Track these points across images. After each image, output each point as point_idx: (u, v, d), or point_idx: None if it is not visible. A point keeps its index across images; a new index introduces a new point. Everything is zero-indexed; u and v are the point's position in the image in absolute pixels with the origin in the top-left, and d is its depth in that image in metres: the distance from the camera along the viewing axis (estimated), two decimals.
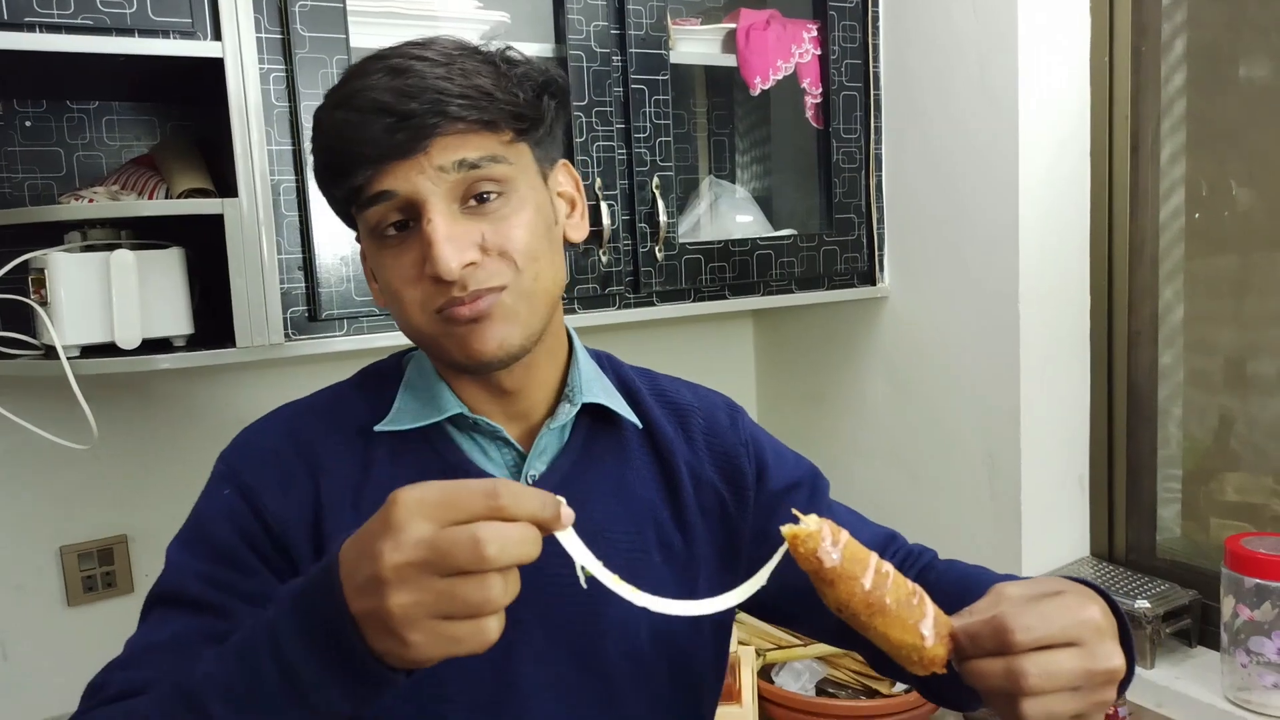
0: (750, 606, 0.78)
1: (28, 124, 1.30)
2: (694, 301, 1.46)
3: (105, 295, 1.12)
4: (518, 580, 0.54)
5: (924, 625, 0.61)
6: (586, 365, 0.84)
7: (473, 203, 0.71)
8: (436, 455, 0.79)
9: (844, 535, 0.61)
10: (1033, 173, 1.42)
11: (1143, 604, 1.33)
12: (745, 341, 1.99)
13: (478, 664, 0.68)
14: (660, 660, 0.83)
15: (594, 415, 0.83)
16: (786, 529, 0.60)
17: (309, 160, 1.14)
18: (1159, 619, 1.33)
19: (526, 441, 0.81)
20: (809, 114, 1.58)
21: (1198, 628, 1.37)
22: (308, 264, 1.18)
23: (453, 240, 0.69)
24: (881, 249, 1.64)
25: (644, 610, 0.61)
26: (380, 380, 0.84)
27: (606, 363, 0.90)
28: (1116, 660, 0.60)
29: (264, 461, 0.77)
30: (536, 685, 0.78)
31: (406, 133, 0.68)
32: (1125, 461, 1.50)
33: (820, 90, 1.57)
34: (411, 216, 0.71)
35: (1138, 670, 1.29)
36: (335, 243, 1.18)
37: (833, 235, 1.58)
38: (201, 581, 0.73)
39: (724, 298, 1.49)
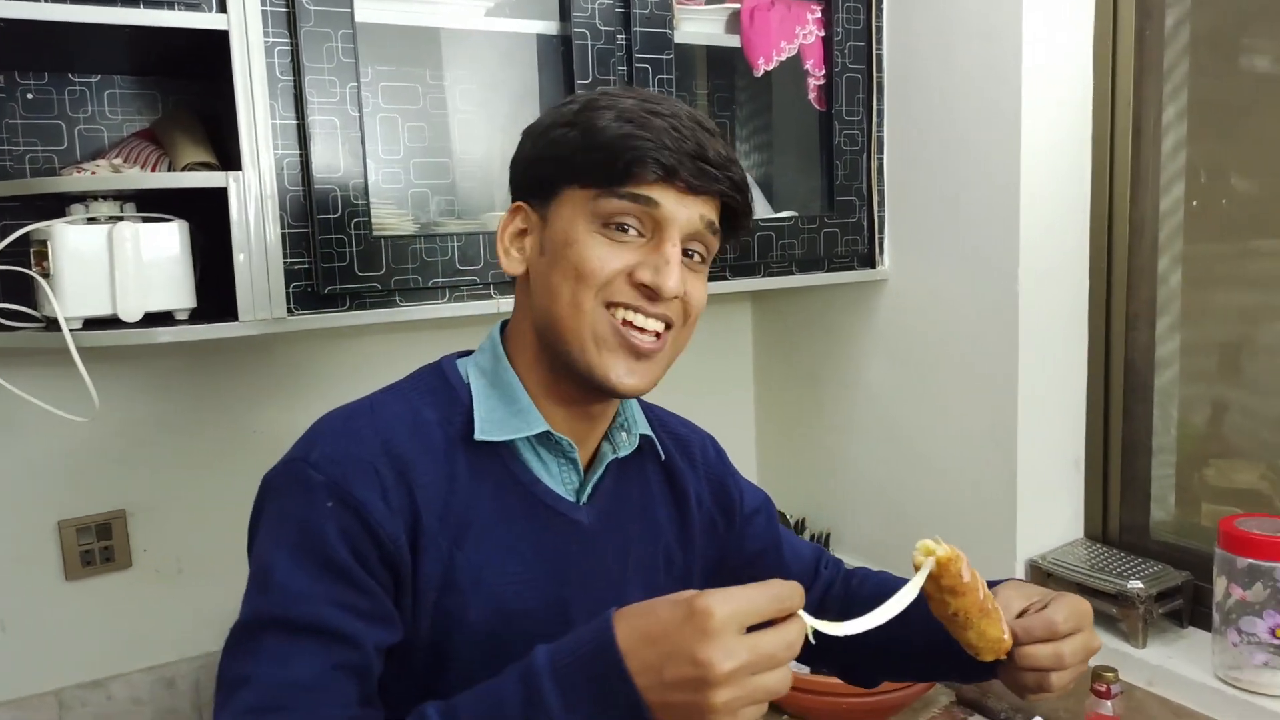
0: None
1: (29, 96, 1.30)
2: None
3: (108, 267, 1.11)
4: None
5: (1003, 623, 0.78)
6: (632, 400, 0.92)
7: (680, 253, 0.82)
8: (508, 473, 0.83)
9: (965, 556, 0.74)
10: (1034, 155, 1.42)
11: (1135, 585, 1.34)
12: (743, 323, 1.99)
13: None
14: None
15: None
16: (943, 554, 0.72)
17: (313, 135, 1.15)
18: (1151, 599, 1.34)
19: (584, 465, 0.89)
20: (811, 96, 1.58)
21: (1189, 608, 1.39)
22: (310, 239, 1.18)
23: (680, 270, 0.81)
24: (882, 231, 1.64)
25: None
26: (442, 386, 0.85)
27: None
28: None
29: (364, 474, 0.76)
30: None
31: (700, 175, 0.79)
32: (1121, 443, 1.51)
33: (823, 72, 1.57)
34: (641, 228, 0.80)
35: (1130, 650, 1.36)
36: (338, 219, 1.18)
37: (833, 217, 1.58)
38: (332, 607, 0.72)
39: (724, 278, 1.49)
